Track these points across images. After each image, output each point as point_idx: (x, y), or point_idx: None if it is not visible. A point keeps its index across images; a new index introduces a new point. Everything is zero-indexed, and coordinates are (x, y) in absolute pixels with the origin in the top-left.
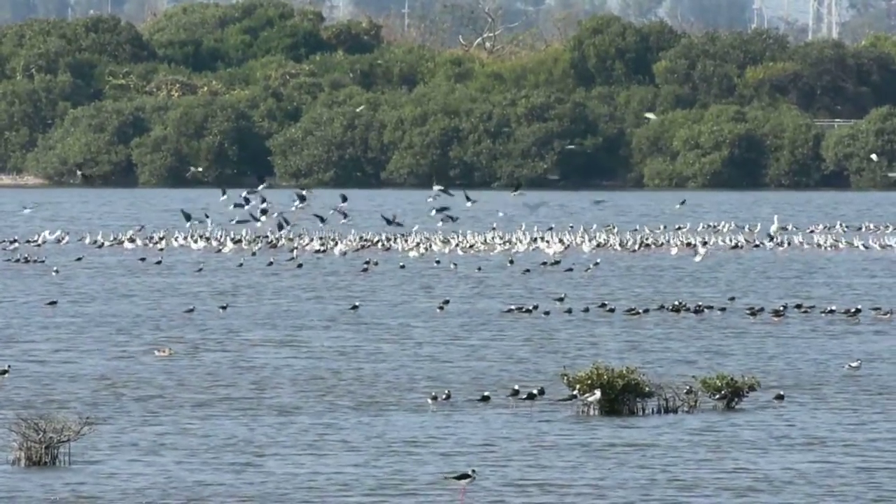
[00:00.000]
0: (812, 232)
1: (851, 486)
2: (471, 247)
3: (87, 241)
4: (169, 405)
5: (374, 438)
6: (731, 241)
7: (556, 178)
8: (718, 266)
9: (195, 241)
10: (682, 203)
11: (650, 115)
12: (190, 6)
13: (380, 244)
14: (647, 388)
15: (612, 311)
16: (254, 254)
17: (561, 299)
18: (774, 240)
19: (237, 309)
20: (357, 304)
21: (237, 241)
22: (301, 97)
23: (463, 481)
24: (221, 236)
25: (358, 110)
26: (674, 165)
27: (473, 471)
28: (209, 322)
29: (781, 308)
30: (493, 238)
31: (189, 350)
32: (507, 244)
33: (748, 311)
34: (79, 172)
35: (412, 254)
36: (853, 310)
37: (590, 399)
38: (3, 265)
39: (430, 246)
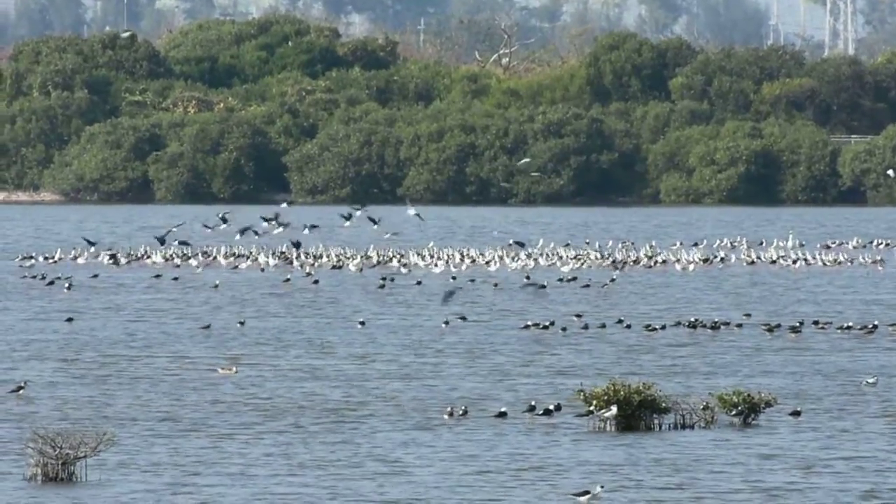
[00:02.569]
0: (827, 248)
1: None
2: (487, 263)
3: (103, 257)
4: (187, 423)
5: (392, 456)
6: (747, 257)
7: (572, 193)
8: (733, 282)
9: (214, 258)
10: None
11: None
12: (206, 23)
13: (396, 260)
14: (663, 404)
15: (628, 327)
16: (262, 270)
17: (578, 315)
18: (789, 256)
19: (254, 325)
20: (363, 320)
21: (253, 259)
22: (317, 113)
23: (583, 498)
24: (236, 252)
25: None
26: (690, 181)
27: (601, 487)
28: (227, 339)
29: (798, 324)
30: (509, 254)
31: (207, 367)
32: (524, 260)
33: (765, 328)
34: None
35: (435, 269)
36: (870, 326)
37: (606, 415)
38: (20, 281)
39: (448, 262)
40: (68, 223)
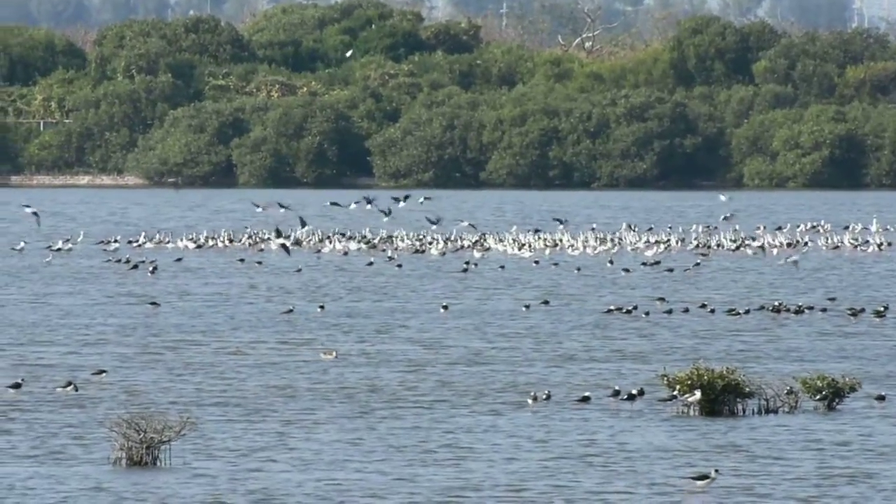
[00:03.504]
0: None
1: None
2: (570, 247)
3: (185, 242)
4: (271, 408)
5: (467, 441)
6: (830, 241)
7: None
8: (818, 266)
9: (296, 243)
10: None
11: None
12: (289, 7)
13: (478, 245)
14: (747, 389)
15: (712, 311)
16: (345, 254)
17: (661, 299)
18: (873, 240)
19: (336, 309)
20: (445, 304)
21: (335, 242)
22: (400, 97)
23: (700, 482)
24: (319, 237)
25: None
26: (774, 165)
27: (716, 470)
28: (309, 323)
29: (883, 308)
30: (593, 238)
31: (290, 352)
32: (608, 244)
33: (849, 312)
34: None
35: (524, 254)
36: None
37: (690, 400)
38: (104, 265)
39: (532, 246)
40: (148, 207)
